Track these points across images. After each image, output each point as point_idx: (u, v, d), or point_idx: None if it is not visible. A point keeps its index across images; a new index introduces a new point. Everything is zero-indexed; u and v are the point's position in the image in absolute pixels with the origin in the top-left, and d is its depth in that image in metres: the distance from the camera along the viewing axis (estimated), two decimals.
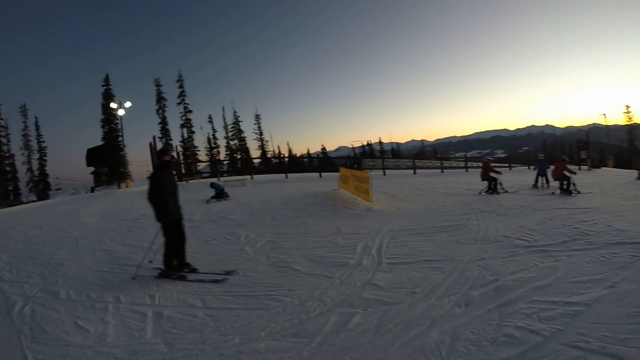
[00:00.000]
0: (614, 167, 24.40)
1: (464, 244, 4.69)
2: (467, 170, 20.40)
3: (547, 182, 10.72)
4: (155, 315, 3.24)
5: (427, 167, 21.86)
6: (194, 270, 4.24)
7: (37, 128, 31.87)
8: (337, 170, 18.30)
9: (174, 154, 29.81)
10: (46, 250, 5.96)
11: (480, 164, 12.62)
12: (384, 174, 17.77)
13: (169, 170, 4.28)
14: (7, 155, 30.09)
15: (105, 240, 6.48)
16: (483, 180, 10.09)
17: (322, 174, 17.13)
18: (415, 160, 22.18)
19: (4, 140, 29.90)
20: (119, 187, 21.28)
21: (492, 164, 10.99)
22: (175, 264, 4.17)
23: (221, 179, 17.75)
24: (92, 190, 21.85)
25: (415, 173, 18.62)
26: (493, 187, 9.78)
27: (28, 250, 6.00)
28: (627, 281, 3.09)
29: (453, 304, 2.92)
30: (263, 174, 19.20)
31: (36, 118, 32.13)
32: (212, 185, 11.62)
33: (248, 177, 17.81)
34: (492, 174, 9.99)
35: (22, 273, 4.77)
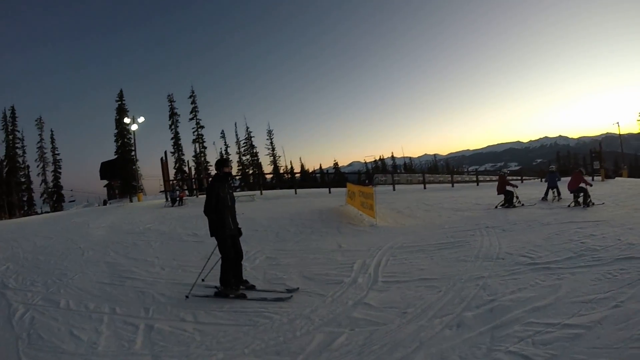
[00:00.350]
0: (628, 176, 23.87)
1: (465, 261, 4.63)
2: (477, 185, 20.17)
3: (559, 194, 10.68)
4: (147, 328, 3.36)
5: (440, 182, 21.76)
6: (251, 288, 4.12)
7: (53, 141, 33.56)
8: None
9: (186, 169, 30.73)
10: (52, 260, 6.27)
11: (495, 178, 12.52)
12: (394, 189, 17.74)
13: (228, 182, 4.19)
14: (22, 166, 31.68)
15: (110, 253, 6.74)
16: (499, 194, 10.16)
17: (332, 189, 17.23)
18: (427, 175, 22.07)
19: (19, 152, 31.63)
20: (131, 201, 22.01)
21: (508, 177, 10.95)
22: (232, 282, 4.02)
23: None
24: (105, 203, 22.67)
25: (425, 188, 18.50)
26: (509, 200, 9.71)
27: (35, 260, 6.34)
28: (634, 300, 2.95)
29: (444, 326, 2.87)
30: (274, 189, 19.46)
31: (52, 131, 33.92)
32: None
33: (257, 192, 18.11)
34: (509, 188, 10.00)
35: (27, 281, 5.05)
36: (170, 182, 18.56)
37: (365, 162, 66.47)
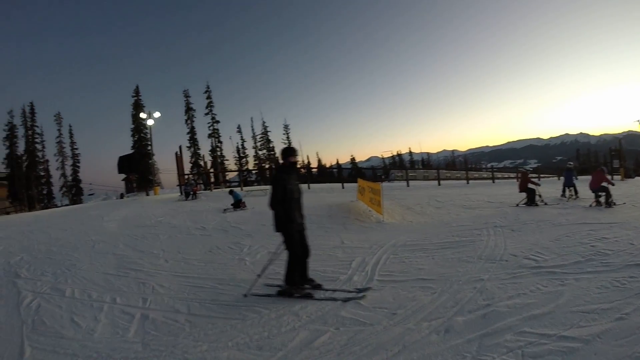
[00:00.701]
0: None
1: (466, 262, 4.56)
2: (493, 182, 19.69)
3: (576, 192, 10.52)
4: (142, 317, 3.58)
5: (457, 178, 21.45)
6: (317, 287, 3.93)
7: (71, 136, 35.36)
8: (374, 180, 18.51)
9: (202, 163, 31.50)
10: (64, 251, 6.69)
11: (511, 175, 12.20)
12: (407, 185, 17.60)
13: (295, 173, 3.92)
14: (42, 161, 33.48)
15: (120, 245, 7.10)
16: (521, 191, 9.99)
17: (345, 184, 17.24)
18: (444, 171, 21.80)
19: (39, 146, 33.39)
20: (147, 194, 22.85)
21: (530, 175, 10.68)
22: (297, 280, 3.83)
23: (244, 188, 18.48)
24: (122, 196, 23.65)
25: (439, 184, 18.24)
26: (531, 199, 9.48)
27: (48, 251, 6.78)
28: None
29: (431, 330, 2.82)
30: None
31: (70, 126, 35.75)
32: (231, 192, 12.24)
33: (266, 187, 18.39)
34: (531, 185, 9.76)
35: (38, 271, 5.44)
36: (186, 177, 19.11)
37: (383, 158, 67.16)
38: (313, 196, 13.19)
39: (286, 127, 43.52)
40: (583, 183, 10.26)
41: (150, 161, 26.01)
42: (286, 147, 3.93)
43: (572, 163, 11.87)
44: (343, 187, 16.62)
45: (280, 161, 3.90)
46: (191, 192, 15.52)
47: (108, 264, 5.75)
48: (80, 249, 6.90)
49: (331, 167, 54.17)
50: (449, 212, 8.96)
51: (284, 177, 3.72)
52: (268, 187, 18.69)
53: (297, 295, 3.72)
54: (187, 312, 3.63)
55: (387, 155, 66.68)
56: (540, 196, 9.78)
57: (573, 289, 3.39)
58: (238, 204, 11.36)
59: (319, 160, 56.50)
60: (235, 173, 31.35)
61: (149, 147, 26.45)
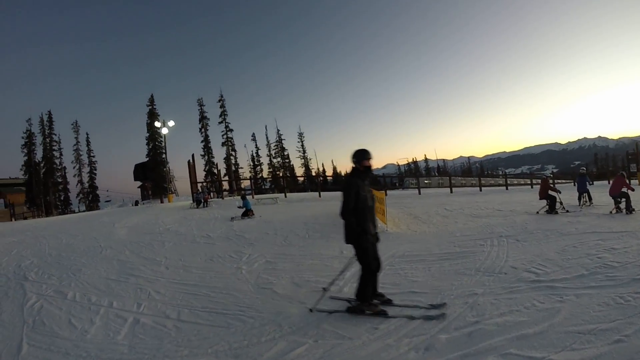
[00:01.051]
0: None
1: (463, 274, 4.53)
2: (507, 189, 19.19)
3: (590, 199, 10.41)
4: (134, 321, 3.83)
5: (472, 185, 21.13)
6: (388, 302, 3.72)
7: (88, 143, 37.28)
8: (381, 189, 18.50)
9: (215, 171, 32.33)
10: (73, 257, 7.13)
11: (526, 181, 11.95)
12: (419, 193, 17.50)
13: (368, 178, 3.66)
14: (59, 168, 35.33)
15: (125, 252, 7.47)
16: (541, 198, 9.77)
17: None
18: (459, 178, 21.55)
19: (56, 153, 35.34)
20: (162, 202, 23.65)
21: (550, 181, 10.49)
22: (370, 296, 3.61)
23: (255, 196, 18.85)
24: (136, 203, 24.59)
25: (452, 192, 17.99)
26: (552, 206, 9.31)
27: (58, 256, 7.24)
28: None
29: (411, 347, 2.80)
30: (306, 191, 19.94)
31: (87, 134, 37.78)
32: (244, 197, 12.59)
33: (281, 195, 18.68)
34: (551, 193, 9.54)
35: (45, 275, 5.85)
36: (200, 185, 19.70)
37: (398, 165, 67.92)
38: (323, 204, 13.33)
39: (300, 134, 44.16)
40: (599, 189, 9.90)
41: (164, 169, 26.95)
42: (360, 149, 3.58)
43: (584, 168, 11.58)
44: None
45: (352, 165, 3.57)
46: (202, 200, 16.00)
47: (111, 269, 6.08)
48: (88, 254, 7.32)
49: (347, 174, 54.51)
50: (455, 221, 8.87)
51: (358, 182, 3.45)
52: (278, 195, 19.18)
53: (369, 313, 3.49)
54: (176, 318, 3.83)
55: (402, 162, 66.88)
56: (561, 203, 9.59)
57: (571, 306, 3.27)
58: (247, 212, 11.65)
59: (334, 168, 56.77)
60: (249, 181, 31.94)
61: (163, 156, 27.47)
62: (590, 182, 10.28)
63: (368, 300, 3.54)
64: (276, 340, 3.14)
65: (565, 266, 4.45)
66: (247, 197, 13.74)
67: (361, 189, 3.43)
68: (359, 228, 3.42)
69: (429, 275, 4.66)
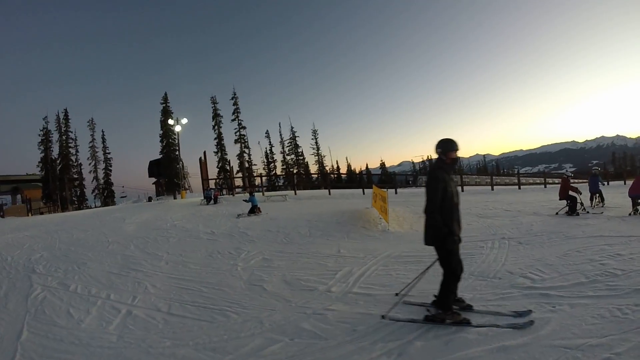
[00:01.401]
0: None
1: None
2: (519, 188, 18.68)
3: (602, 200, 10.36)
4: (127, 313, 4.12)
5: (488, 184, 20.85)
6: (467, 308, 3.45)
7: (104, 140, 38.61)
8: (392, 187, 18.46)
9: (228, 167, 32.98)
10: (80, 251, 7.59)
11: (539, 180, 11.72)
12: None
13: (453, 172, 3.37)
14: (75, 164, 36.91)
15: (131, 247, 7.88)
16: (561, 199, 9.59)
17: (367, 190, 17.31)
18: (474, 176, 21.18)
19: (72, 150, 36.92)
20: (175, 198, 24.41)
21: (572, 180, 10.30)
22: (452, 304, 3.30)
23: (265, 193, 19.20)
24: (150, 199, 25.49)
25: (462, 190, 17.72)
26: (572, 207, 9.17)
27: (66, 250, 7.74)
28: (636, 352, 2.47)
29: (384, 352, 2.81)
30: (319, 189, 20.16)
31: (103, 132, 39.05)
32: (252, 193, 12.93)
33: (291, 192, 18.94)
34: (572, 193, 9.36)
35: (52, 268, 6.29)
36: (214, 181, 20.23)
37: (413, 162, 68.85)
38: (331, 202, 13.52)
39: (314, 132, 44.38)
40: (614, 189, 9.58)
41: (177, 166, 27.77)
42: (446, 139, 3.27)
43: (597, 168, 11.29)
44: (364, 193, 16.72)
45: (437, 156, 3.29)
46: (212, 197, 16.46)
47: (115, 263, 6.46)
48: (96, 249, 7.77)
49: (360, 172, 54.22)
50: (462, 221, 8.82)
51: (445, 177, 3.16)
52: (288, 192, 19.39)
53: (450, 322, 3.16)
54: (167, 312, 4.09)
55: (417, 159, 67.41)
56: (582, 204, 9.40)
57: (563, 317, 3.12)
58: (253, 209, 11.93)
59: (349, 166, 56.87)
60: (264, 178, 32.45)
61: (177, 152, 28.30)
62: (604, 183, 10.04)
63: (450, 309, 3.25)
64: (254, 336, 3.30)
65: (565, 272, 4.37)
66: (257, 194, 14.05)
67: (448, 184, 3.15)
68: (446, 228, 3.11)
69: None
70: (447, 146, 3.21)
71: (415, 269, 5.07)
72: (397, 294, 3.92)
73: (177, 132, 23.83)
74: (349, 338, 3.09)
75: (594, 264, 4.56)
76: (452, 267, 3.17)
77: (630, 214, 8.31)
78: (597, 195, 10.49)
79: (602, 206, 10.14)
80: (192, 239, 8.58)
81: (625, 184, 17.50)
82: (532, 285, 4.08)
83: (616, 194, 12.09)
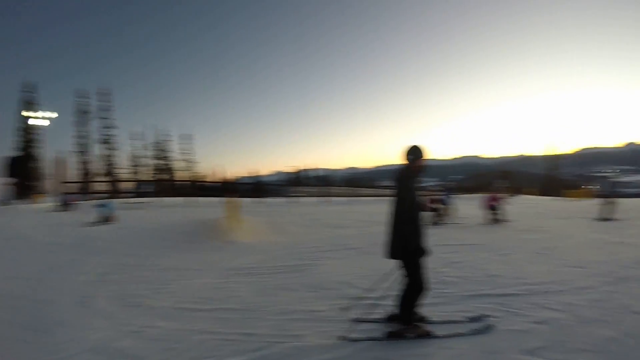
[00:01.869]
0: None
1: (289, 290, 4.67)
2: (378, 200, 21.75)
3: (450, 212, 12.01)
4: None
5: (352, 195, 26.05)
6: (421, 320, 3.31)
7: None
8: (273, 196, 19.63)
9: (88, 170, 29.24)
10: None
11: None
12: (297, 201, 19.86)
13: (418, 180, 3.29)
14: None
15: None
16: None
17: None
18: (346, 188, 27.26)
19: None
20: (27, 202, 20.93)
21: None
22: (413, 319, 3.20)
23: (128, 200, 18.11)
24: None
25: (328, 202, 20.37)
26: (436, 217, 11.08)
27: None
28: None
29: None
30: (188, 196, 19.50)
31: None
32: (107, 202, 12.17)
33: (151, 199, 18.48)
34: (432, 205, 11.17)
35: None
36: (74, 185, 17.96)
37: (286, 173, 73.92)
38: (192, 211, 13.50)
39: (185, 136, 44.14)
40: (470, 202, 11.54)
41: (35, 165, 23.77)
42: (416, 146, 3.21)
43: (447, 184, 13.94)
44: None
45: (407, 162, 3.20)
46: (67, 202, 15.22)
47: None
48: None
49: (236, 180, 54.92)
50: (314, 231, 9.69)
51: (415, 186, 3.14)
52: (151, 199, 18.18)
53: (412, 336, 3.12)
54: None
55: (289, 170, 72.21)
56: (441, 215, 11.24)
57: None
58: (107, 217, 11.33)
59: (223, 174, 57.11)
60: (129, 183, 30.08)
61: (38, 150, 24.29)
62: (451, 196, 12.34)
63: (412, 322, 3.18)
64: (72, 357, 3.11)
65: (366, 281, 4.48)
66: (111, 200, 13.21)
67: (417, 194, 3.11)
68: (419, 237, 3.03)
69: (253, 291, 4.73)
70: (417, 153, 3.18)
71: (248, 281, 5.17)
72: (346, 308, 3.73)
73: (41, 127, 20.44)
74: (163, 357, 3.03)
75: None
76: (419, 281, 3.10)
77: (484, 224, 10.55)
78: (447, 207, 11.76)
79: (450, 217, 11.56)
80: (31, 251, 7.78)
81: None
82: (360, 295, 4.07)
83: (471, 206, 13.78)
